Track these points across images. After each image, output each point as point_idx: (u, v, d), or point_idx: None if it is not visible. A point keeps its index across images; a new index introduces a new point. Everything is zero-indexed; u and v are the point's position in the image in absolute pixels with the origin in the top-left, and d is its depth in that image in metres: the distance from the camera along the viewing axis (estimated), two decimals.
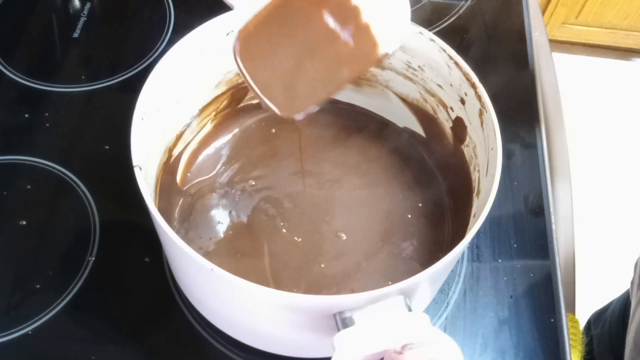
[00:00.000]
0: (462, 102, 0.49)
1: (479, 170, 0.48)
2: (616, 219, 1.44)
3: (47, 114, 0.62)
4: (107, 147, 0.60)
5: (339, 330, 0.36)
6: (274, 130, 0.59)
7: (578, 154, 1.50)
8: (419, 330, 0.35)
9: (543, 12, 1.58)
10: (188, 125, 0.54)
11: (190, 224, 0.53)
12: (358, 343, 0.34)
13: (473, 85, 0.47)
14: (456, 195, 0.53)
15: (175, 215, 0.53)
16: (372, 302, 0.36)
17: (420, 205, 0.56)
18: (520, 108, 0.65)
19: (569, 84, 1.60)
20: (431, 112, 0.54)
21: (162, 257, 0.54)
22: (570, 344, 0.52)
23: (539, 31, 0.74)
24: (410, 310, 0.37)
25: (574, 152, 0.68)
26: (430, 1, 0.73)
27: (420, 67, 0.52)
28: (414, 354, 0.33)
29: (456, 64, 0.48)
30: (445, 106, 0.52)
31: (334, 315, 0.37)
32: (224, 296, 0.42)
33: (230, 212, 0.54)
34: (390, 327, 0.35)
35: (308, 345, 0.46)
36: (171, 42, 0.67)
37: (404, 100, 0.56)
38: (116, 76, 0.65)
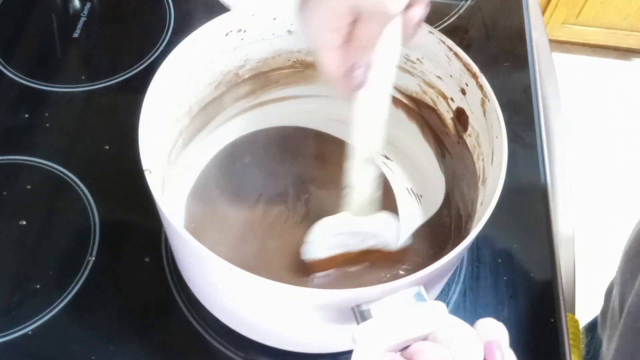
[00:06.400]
0: (463, 92, 0.49)
1: (483, 159, 0.48)
2: (616, 218, 1.44)
3: (47, 114, 0.62)
4: (107, 147, 0.60)
5: (357, 323, 0.36)
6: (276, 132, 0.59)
7: (578, 154, 1.50)
8: (436, 319, 0.35)
9: (543, 12, 1.58)
10: (188, 127, 0.54)
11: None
12: (378, 335, 0.35)
13: (474, 76, 0.47)
14: (460, 185, 0.53)
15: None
16: (389, 294, 0.37)
17: (422, 197, 0.56)
18: (520, 108, 0.65)
19: (569, 84, 1.60)
20: (431, 103, 0.54)
21: (162, 257, 0.54)
22: (570, 344, 0.52)
23: (539, 31, 0.74)
24: (425, 300, 0.37)
25: (574, 152, 0.68)
26: (430, 1, 0.73)
27: (419, 59, 0.52)
28: (434, 342, 0.34)
29: (456, 55, 0.48)
30: (445, 97, 0.52)
31: (352, 308, 0.37)
32: (240, 295, 0.42)
33: (233, 212, 0.54)
34: (408, 317, 0.35)
35: (324, 339, 0.47)
36: (171, 42, 0.68)
37: (402, 93, 0.56)
38: (116, 76, 0.65)
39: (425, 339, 0.35)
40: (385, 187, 0.58)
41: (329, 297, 0.37)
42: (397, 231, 0.50)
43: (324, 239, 0.48)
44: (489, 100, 0.46)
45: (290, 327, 0.45)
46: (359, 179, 0.46)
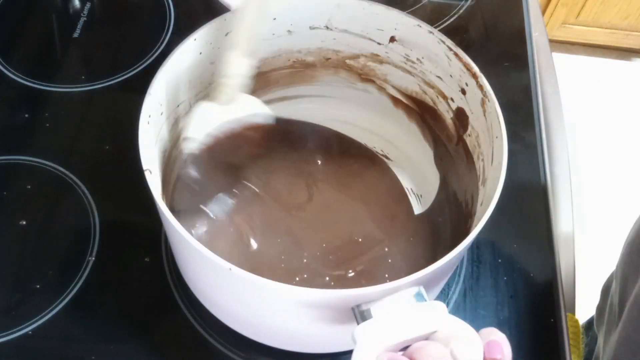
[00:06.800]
0: (463, 92, 0.49)
1: (483, 160, 0.48)
2: (616, 218, 1.44)
3: (47, 114, 0.62)
4: (107, 147, 0.60)
5: (358, 323, 0.36)
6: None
7: (578, 154, 1.50)
8: (437, 319, 0.35)
9: (543, 12, 1.58)
10: (189, 126, 0.54)
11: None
12: (378, 335, 0.35)
13: (474, 75, 0.47)
14: (460, 186, 0.53)
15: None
16: (389, 294, 0.37)
17: (422, 197, 0.56)
18: (520, 108, 0.65)
19: (569, 84, 1.60)
20: (431, 103, 0.54)
21: (162, 257, 0.54)
22: (570, 344, 0.52)
23: (539, 31, 0.74)
24: (425, 300, 0.37)
25: (574, 152, 0.68)
26: (430, 1, 0.73)
27: (419, 59, 0.52)
28: (434, 343, 0.33)
29: (456, 55, 0.48)
30: (445, 97, 0.52)
31: (352, 308, 0.37)
32: (241, 295, 0.42)
33: (229, 213, 0.54)
34: (408, 318, 0.35)
35: (324, 340, 0.47)
36: (171, 42, 0.68)
37: (402, 93, 0.56)
38: (116, 76, 0.65)
39: (426, 339, 0.35)
40: (392, 188, 0.58)
41: (328, 297, 0.37)
42: (262, 109, 0.50)
43: (202, 126, 0.49)
44: (489, 100, 0.46)
45: (291, 327, 0.45)
46: (234, 71, 0.47)
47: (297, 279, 0.51)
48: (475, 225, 0.40)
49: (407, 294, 0.37)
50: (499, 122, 0.44)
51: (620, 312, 0.53)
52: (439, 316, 0.35)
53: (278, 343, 0.48)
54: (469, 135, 0.51)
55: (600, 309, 0.61)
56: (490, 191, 0.43)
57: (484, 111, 0.47)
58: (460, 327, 0.35)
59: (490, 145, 0.47)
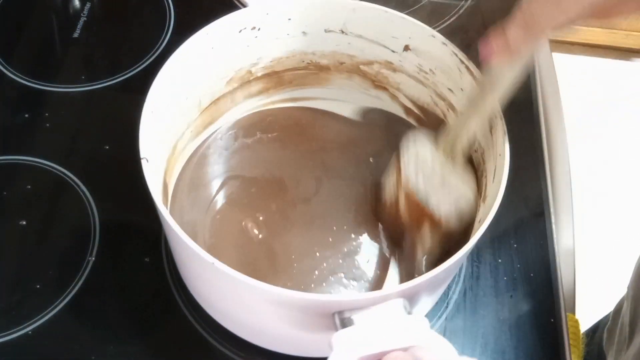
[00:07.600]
0: None
1: (486, 176, 0.48)
2: (616, 218, 1.44)
3: (47, 114, 0.62)
4: (107, 147, 0.60)
5: (337, 330, 0.36)
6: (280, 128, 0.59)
7: (578, 154, 1.50)
8: (416, 334, 0.35)
9: None
10: (197, 120, 0.54)
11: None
12: (355, 343, 0.34)
13: None
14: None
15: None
16: (372, 304, 0.36)
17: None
18: (520, 108, 0.65)
19: (569, 84, 1.60)
20: (441, 116, 0.54)
21: (162, 257, 0.54)
22: (570, 344, 0.52)
23: None
24: (409, 313, 0.37)
25: (574, 152, 0.68)
26: (430, 1, 0.73)
27: (431, 70, 0.51)
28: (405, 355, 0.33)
29: (467, 68, 0.48)
30: (455, 111, 0.52)
31: (333, 314, 0.37)
32: (225, 291, 0.42)
33: (233, 207, 0.54)
34: (388, 329, 0.35)
35: (305, 343, 0.46)
36: (171, 42, 0.68)
37: (414, 103, 0.56)
38: (116, 76, 0.65)
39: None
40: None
41: (310, 301, 0.37)
42: None
43: None
44: (496, 117, 0.46)
45: (272, 327, 0.44)
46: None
47: (314, 276, 0.50)
48: (473, 235, 0.40)
49: (390, 306, 0.37)
50: (504, 139, 0.44)
51: (631, 333, 0.52)
52: (420, 331, 0.35)
53: (260, 342, 0.48)
54: (475, 152, 0.50)
55: (610, 330, 0.61)
56: (488, 209, 0.42)
57: (491, 127, 0.47)
58: (439, 344, 0.34)
59: (493, 163, 0.46)
